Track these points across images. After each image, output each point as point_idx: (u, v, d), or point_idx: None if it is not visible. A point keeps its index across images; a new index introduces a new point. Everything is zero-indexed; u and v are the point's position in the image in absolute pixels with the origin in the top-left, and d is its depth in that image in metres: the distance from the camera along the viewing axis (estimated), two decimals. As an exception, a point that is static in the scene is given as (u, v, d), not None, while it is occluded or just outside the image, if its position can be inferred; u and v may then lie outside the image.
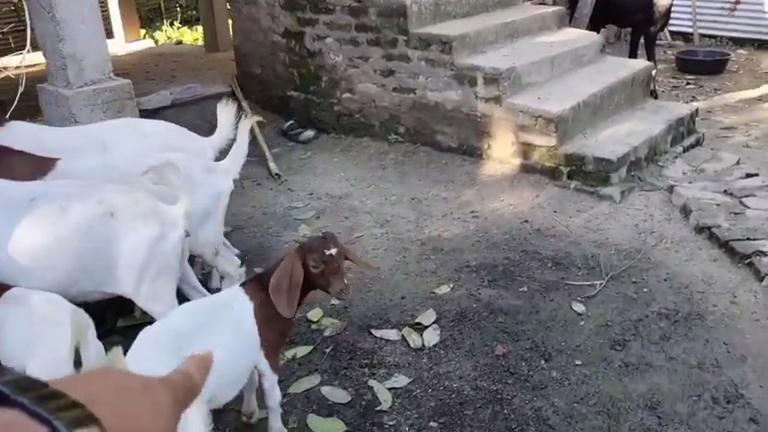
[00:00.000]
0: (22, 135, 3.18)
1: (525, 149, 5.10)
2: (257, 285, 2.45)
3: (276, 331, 2.46)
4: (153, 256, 2.64)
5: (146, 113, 5.37)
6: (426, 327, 3.39)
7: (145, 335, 2.21)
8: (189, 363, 0.70)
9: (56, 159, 3.00)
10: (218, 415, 2.61)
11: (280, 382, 3.04)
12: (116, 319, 3.45)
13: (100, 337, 3.36)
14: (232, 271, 3.27)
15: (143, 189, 2.77)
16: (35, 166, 2.93)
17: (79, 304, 2.92)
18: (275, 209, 4.81)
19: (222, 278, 3.37)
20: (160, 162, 2.75)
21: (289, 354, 3.22)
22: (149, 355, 2.11)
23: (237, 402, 2.67)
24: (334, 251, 2.40)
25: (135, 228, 2.62)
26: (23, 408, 0.47)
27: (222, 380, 2.23)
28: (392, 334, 3.35)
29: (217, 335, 2.26)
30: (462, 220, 4.56)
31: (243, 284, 2.52)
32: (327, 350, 3.25)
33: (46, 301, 2.36)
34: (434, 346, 3.26)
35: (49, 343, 2.22)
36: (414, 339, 3.30)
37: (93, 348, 2.33)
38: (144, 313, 2.88)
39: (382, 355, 3.21)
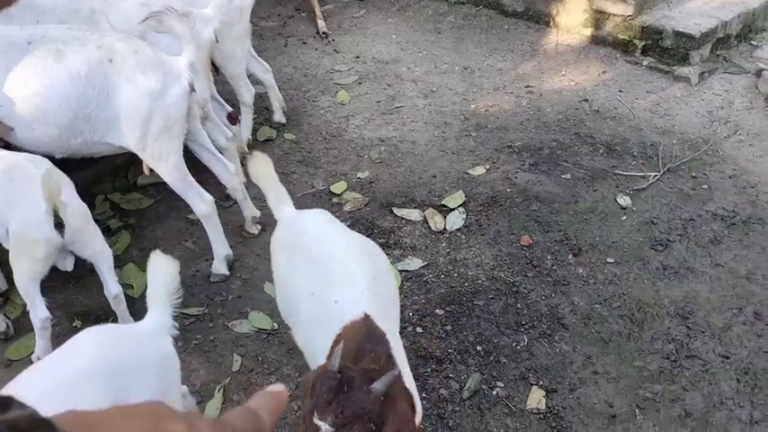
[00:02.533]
0: None
1: (598, 18, 4.53)
2: None
3: None
4: (155, 111, 2.48)
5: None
6: (452, 209, 3.18)
7: None
8: (259, 399, 0.62)
9: None
10: None
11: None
12: (136, 177, 3.42)
13: (122, 191, 3.37)
14: (222, 141, 3.06)
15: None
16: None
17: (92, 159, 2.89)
18: (317, 71, 4.54)
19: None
20: (161, 8, 2.52)
21: (304, 226, 3.11)
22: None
23: None
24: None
25: (134, 78, 2.44)
26: None
27: None
28: (414, 214, 3.16)
29: None
30: (515, 95, 4.17)
31: None
32: (345, 224, 3.11)
33: (25, 160, 2.28)
34: (457, 230, 3.07)
35: (24, 202, 2.16)
36: (436, 222, 3.10)
37: (75, 209, 2.25)
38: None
39: (400, 235, 3.05)
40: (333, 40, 4.94)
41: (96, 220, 3.15)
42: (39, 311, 2.28)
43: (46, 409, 0.45)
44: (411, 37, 4.92)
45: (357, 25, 5.17)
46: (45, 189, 2.09)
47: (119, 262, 2.91)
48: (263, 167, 2.14)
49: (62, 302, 2.72)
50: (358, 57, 4.69)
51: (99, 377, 1.54)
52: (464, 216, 3.13)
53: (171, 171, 2.62)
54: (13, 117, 2.47)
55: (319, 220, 2.07)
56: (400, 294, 2.73)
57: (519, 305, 2.67)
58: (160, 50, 2.58)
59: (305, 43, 4.95)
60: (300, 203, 3.27)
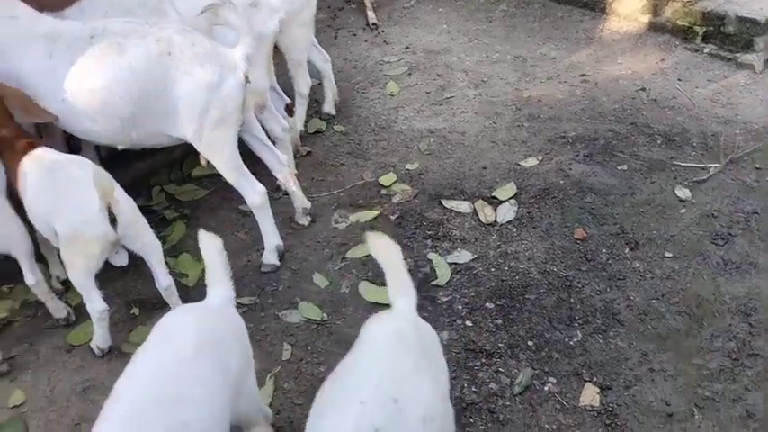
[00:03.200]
0: None
1: (656, 4, 4.38)
2: None
3: None
4: (211, 102, 2.51)
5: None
6: (503, 201, 3.13)
7: None
8: None
9: None
10: None
11: (341, 245, 2.98)
12: (191, 169, 3.48)
13: (177, 183, 3.44)
14: (277, 131, 3.08)
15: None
16: None
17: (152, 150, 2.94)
18: (366, 62, 4.53)
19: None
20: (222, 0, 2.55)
21: (353, 217, 3.12)
22: None
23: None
24: None
25: (191, 71, 2.48)
26: None
27: None
28: (464, 206, 3.12)
29: None
30: (569, 84, 4.07)
31: None
32: (393, 217, 3.11)
33: (69, 162, 2.34)
34: (508, 222, 3.02)
35: (74, 202, 2.22)
36: (486, 214, 3.06)
37: (124, 204, 2.31)
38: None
39: (449, 227, 3.02)
40: (383, 32, 4.92)
41: (153, 211, 3.28)
42: (96, 304, 2.34)
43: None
44: (462, 26, 4.86)
45: (407, 16, 5.13)
46: (98, 188, 2.14)
47: (174, 251, 2.99)
48: (388, 248, 1.86)
49: (120, 290, 2.79)
50: (408, 47, 4.66)
51: (210, 355, 1.62)
52: (515, 208, 3.08)
53: (225, 162, 2.66)
54: (77, 110, 2.54)
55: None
56: (449, 287, 2.71)
57: (572, 300, 2.61)
58: (221, 41, 2.60)
59: (355, 35, 4.94)
60: (349, 195, 3.29)
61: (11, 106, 2.42)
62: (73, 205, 2.22)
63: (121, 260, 2.41)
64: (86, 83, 2.51)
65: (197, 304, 1.89)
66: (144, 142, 2.68)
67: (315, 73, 3.88)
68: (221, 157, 2.65)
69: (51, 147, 2.47)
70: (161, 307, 2.71)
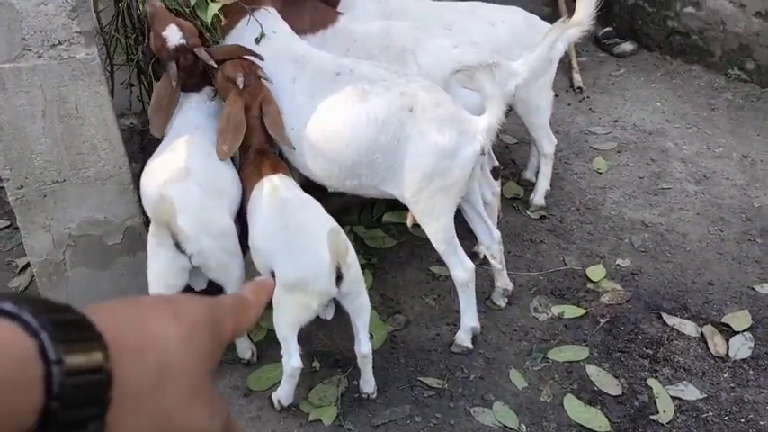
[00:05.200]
0: None
1: None
2: None
3: None
4: (439, 169, 2.29)
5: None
6: (736, 332, 2.68)
7: None
8: (246, 286, 0.70)
9: (339, 14, 2.74)
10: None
11: (541, 340, 2.66)
12: (383, 212, 3.29)
13: (366, 226, 3.25)
14: (487, 195, 2.82)
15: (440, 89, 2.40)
16: (317, 17, 2.71)
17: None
18: (570, 129, 4.20)
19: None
20: (476, 62, 2.33)
21: (555, 309, 2.78)
22: None
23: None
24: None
25: (428, 132, 2.27)
26: (19, 319, 0.45)
27: None
28: (689, 327, 2.71)
29: None
30: (807, 199, 3.55)
31: None
32: (602, 321, 2.74)
33: (301, 206, 2.17)
34: (742, 360, 2.57)
35: (306, 251, 2.04)
36: (716, 343, 2.63)
37: (354, 264, 2.11)
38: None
39: (671, 350, 2.61)
40: (588, 98, 4.57)
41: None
42: (293, 360, 2.16)
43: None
44: (678, 108, 4.43)
45: (615, 84, 4.76)
46: (332, 249, 1.96)
47: (358, 305, 2.77)
48: None
49: (304, 337, 2.59)
50: (616, 121, 4.29)
51: None
52: (751, 344, 2.63)
53: (438, 231, 2.42)
54: (301, 144, 2.40)
55: None
56: (673, 428, 2.31)
57: (829, 484, 2.14)
58: (462, 104, 2.38)
59: (557, 96, 4.60)
60: (550, 281, 2.96)
61: (268, 119, 2.32)
62: (302, 254, 2.04)
63: (329, 314, 2.22)
64: (318, 120, 2.36)
65: None
66: (355, 191, 2.49)
67: (515, 130, 3.61)
68: (435, 226, 2.41)
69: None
70: (344, 365, 2.51)
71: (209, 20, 2.29)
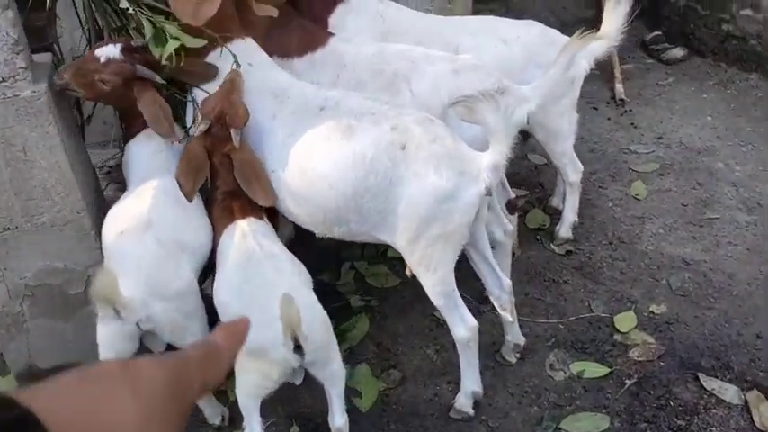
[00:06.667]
0: (366, 9, 2.65)
1: None
2: None
3: None
4: (437, 214, 1.99)
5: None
6: (788, 401, 2.29)
7: None
8: (218, 329, 0.66)
9: (329, 35, 2.45)
10: None
11: (555, 405, 2.33)
12: (388, 246, 3.00)
13: (368, 261, 2.97)
14: (498, 234, 2.47)
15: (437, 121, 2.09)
16: (305, 37, 2.43)
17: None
18: (607, 147, 3.81)
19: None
20: (476, 91, 2.02)
21: (574, 367, 2.44)
22: None
23: None
24: None
25: (424, 172, 1.97)
26: None
27: None
28: (730, 392, 2.32)
29: None
30: None
31: None
32: (628, 382, 2.38)
33: (267, 257, 1.91)
34: (796, 438, 2.18)
35: (262, 312, 1.77)
36: (761, 415, 2.24)
37: (318, 331, 1.85)
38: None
39: (707, 421, 2.24)
40: (630, 111, 4.16)
41: (337, 293, 2.83)
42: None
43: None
44: (732, 123, 3.97)
45: (662, 96, 4.32)
46: (283, 318, 1.69)
47: (352, 357, 2.50)
48: None
49: (284, 397, 2.34)
50: (660, 138, 3.87)
51: None
52: (807, 417, 2.23)
53: (435, 284, 2.12)
54: (282, 186, 2.13)
55: None
56: None
57: None
58: (465, 137, 2.07)
59: (596, 108, 4.24)
60: (571, 330, 2.63)
61: (240, 169, 2.06)
62: (260, 317, 1.79)
63: (297, 379, 1.96)
64: (300, 160, 2.09)
65: None
66: (347, 238, 2.22)
67: (544, 150, 3.26)
68: (432, 278, 2.11)
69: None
70: (326, 429, 2.23)
71: (164, 59, 2.04)
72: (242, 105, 2.05)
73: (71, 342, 2.25)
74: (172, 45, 1.99)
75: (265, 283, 1.86)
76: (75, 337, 2.26)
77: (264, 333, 1.76)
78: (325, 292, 2.72)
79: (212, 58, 2.18)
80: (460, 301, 2.17)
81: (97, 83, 2.05)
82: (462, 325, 2.16)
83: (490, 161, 1.99)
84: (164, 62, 2.04)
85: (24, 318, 2.20)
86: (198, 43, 2.09)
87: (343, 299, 2.77)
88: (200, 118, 2.06)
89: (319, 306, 1.93)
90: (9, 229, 2.06)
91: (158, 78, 2.08)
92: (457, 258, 2.11)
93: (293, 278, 1.90)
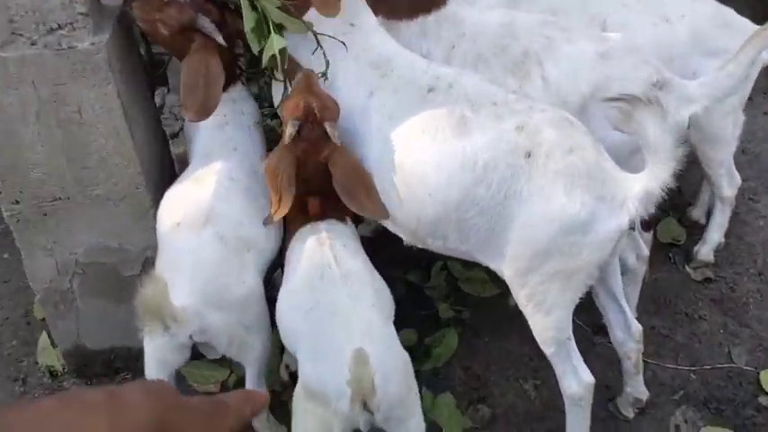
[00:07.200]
0: None
1: None
2: None
3: None
4: (561, 247, 1.56)
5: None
6: None
7: None
8: (232, 393, 0.63)
9: (443, 2, 1.98)
10: None
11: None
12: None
13: (463, 263, 2.56)
14: (631, 261, 2.04)
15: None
16: (420, 3, 1.97)
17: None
18: (761, 149, 3.17)
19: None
20: (640, 89, 1.56)
21: (708, 435, 1.98)
22: None
23: None
24: None
25: (551, 190, 1.54)
26: None
27: None
28: None
29: None
30: None
31: None
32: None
33: (344, 279, 1.54)
34: None
35: (329, 359, 1.42)
36: None
37: (394, 384, 1.47)
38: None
39: None
40: (794, 105, 3.48)
41: (425, 298, 2.46)
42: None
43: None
44: None
45: (836, 89, 3.59)
46: (353, 380, 1.32)
47: (434, 379, 2.14)
48: None
49: None
50: (832, 143, 3.20)
51: None
52: None
53: (546, 329, 1.69)
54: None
55: None
56: None
57: None
58: (607, 147, 1.61)
59: (751, 99, 3.54)
60: (704, 383, 2.15)
61: (342, 177, 1.68)
62: (326, 356, 1.45)
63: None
64: (396, 154, 1.69)
65: None
66: (438, 251, 1.81)
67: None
68: (543, 322, 1.68)
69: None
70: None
71: (265, 61, 1.66)
72: (329, 96, 1.67)
73: (122, 325, 2.00)
74: (277, 43, 1.63)
75: (337, 314, 1.50)
76: (127, 320, 2.01)
77: (328, 379, 1.41)
78: (410, 296, 2.41)
79: (310, 16, 1.78)
80: (575, 351, 1.74)
81: (157, 23, 1.71)
82: (575, 380, 1.73)
83: (642, 188, 1.53)
84: (264, 65, 1.68)
85: (74, 295, 1.96)
86: (300, 29, 1.71)
87: (431, 306, 2.38)
88: (284, 124, 1.68)
89: (399, 348, 1.55)
90: (60, 198, 1.79)
91: (220, 38, 1.71)
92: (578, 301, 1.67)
93: (371, 313, 1.52)
